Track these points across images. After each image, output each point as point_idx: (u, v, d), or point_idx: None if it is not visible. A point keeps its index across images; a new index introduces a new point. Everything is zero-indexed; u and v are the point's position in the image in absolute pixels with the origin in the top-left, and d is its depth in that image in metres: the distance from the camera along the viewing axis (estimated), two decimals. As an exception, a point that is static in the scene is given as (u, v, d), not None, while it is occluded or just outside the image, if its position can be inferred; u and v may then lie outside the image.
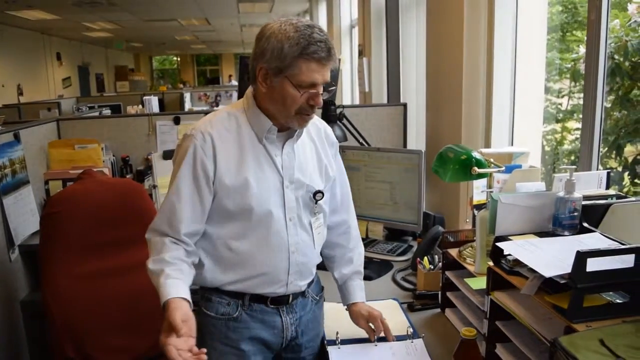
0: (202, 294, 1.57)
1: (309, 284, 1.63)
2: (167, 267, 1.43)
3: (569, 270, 1.09)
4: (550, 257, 1.19)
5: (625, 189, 2.24)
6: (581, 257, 1.07)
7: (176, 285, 1.40)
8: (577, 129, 2.87)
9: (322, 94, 1.47)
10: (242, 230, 1.52)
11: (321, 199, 1.60)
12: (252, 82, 1.51)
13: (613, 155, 2.25)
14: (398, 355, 1.55)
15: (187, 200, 1.48)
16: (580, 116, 2.78)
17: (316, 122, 1.65)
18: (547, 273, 1.10)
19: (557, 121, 2.90)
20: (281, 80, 1.44)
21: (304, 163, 1.59)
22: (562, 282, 1.10)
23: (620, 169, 2.30)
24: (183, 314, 1.33)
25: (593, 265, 1.08)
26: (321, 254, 1.71)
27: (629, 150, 2.25)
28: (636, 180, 2.26)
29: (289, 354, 1.64)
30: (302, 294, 1.62)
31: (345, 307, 1.71)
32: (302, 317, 1.62)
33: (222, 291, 1.55)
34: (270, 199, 1.52)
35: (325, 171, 1.64)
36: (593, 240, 1.28)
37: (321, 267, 1.69)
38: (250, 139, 1.52)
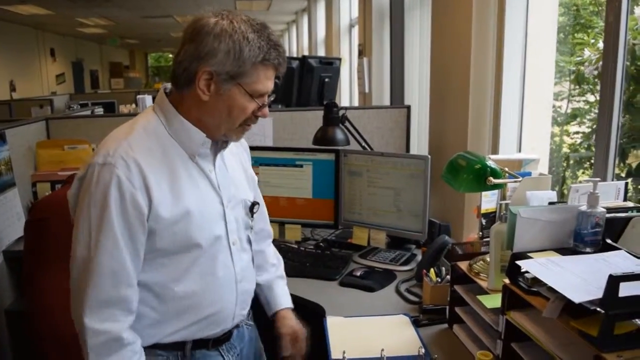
0: None
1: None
2: None
3: (598, 294, 1.00)
4: (577, 278, 1.10)
5: (629, 194, 2.19)
6: (614, 282, 0.98)
7: None
8: (577, 132, 2.81)
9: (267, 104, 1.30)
10: (184, 269, 1.30)
11: (257, 211, 1.46)
12: (183, 86, 1.28)
13: (617, 162, 2.20)
14: (407, 377, 1.44)
15: (127, 249, 1.22)
16: (582, 120, 2.73)
17: None
18: (577, 298, 1.01)
19: (559, 125, 2.83)
20: (232, 88, 1.24)
21: (234, 175, 1.42)
22: (592, 308, 1.01)
23: (623, 175, 2.24)
24: None
25: (625, 289, 0.99)
26: None
27: (633, 155, 2.20)
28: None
29: None
30: (237, 325, 1.47)
31: (272, 314, 1.59)
32: (243, 350, 1.49)
33: (158, 345, 1.33)
34: (214, 225, 1.33)
35: (252, 180, 1.52)
36: (619, 259, 1.18)
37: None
38: (180, 157, 1.29)
